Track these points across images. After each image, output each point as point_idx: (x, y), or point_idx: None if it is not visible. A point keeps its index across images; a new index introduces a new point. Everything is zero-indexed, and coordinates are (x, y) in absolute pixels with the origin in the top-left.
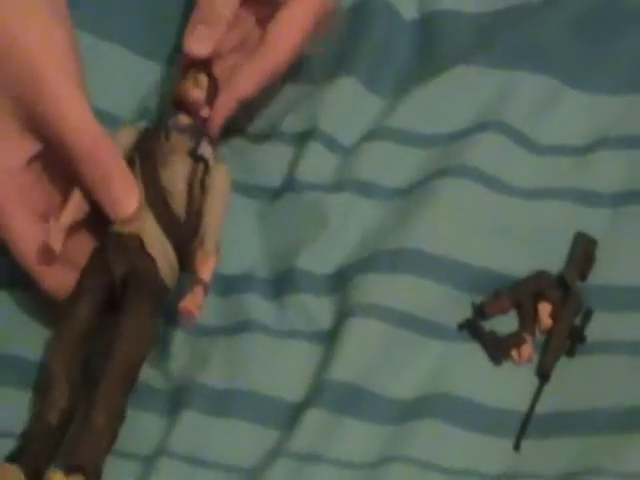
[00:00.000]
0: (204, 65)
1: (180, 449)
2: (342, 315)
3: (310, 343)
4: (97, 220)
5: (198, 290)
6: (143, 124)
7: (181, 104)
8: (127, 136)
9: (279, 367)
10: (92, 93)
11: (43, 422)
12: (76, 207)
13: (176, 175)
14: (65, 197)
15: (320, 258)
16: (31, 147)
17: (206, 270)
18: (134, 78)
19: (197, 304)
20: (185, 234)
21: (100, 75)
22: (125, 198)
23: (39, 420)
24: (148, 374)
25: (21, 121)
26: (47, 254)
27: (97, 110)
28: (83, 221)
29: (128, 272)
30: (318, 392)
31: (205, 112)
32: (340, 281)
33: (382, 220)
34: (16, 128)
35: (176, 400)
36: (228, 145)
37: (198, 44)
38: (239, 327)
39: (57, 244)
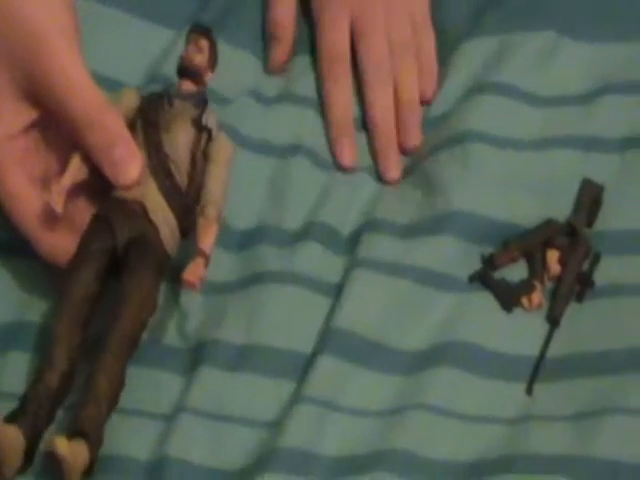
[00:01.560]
0: (205, 30)
1: (200, 405)
2: (354, 268)
3: (323, 295)
4: (96, 186)
5: (199, 261)
6: (153, 88)
7: (185, 70)
8: (129, 98)
9: (293, 319)
10: (99, 60)
11: (43, 384)
12: (76, 169)
13: (179, 143)
14: (63, 164)
15: (335, 213)
16: (29, 114)
17: (208, 240)
18: (141, 44)
19: (198, 275)
20: (187, 202)
21: (107, 42)
22: (128, 164)
23: (39, 382)
24: (166, 334)
25: (20, 88)
26: (47, 216)
27: (104, 77)
28: (82, 187)
29: (132, 238)
30: (330, 341)
31: (209, 77)
32: (353, 235)
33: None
34: (15, 95)
35: (194, 358)
36: (240, 105)
37: None
38: (254, 279)
39: (59, 205)
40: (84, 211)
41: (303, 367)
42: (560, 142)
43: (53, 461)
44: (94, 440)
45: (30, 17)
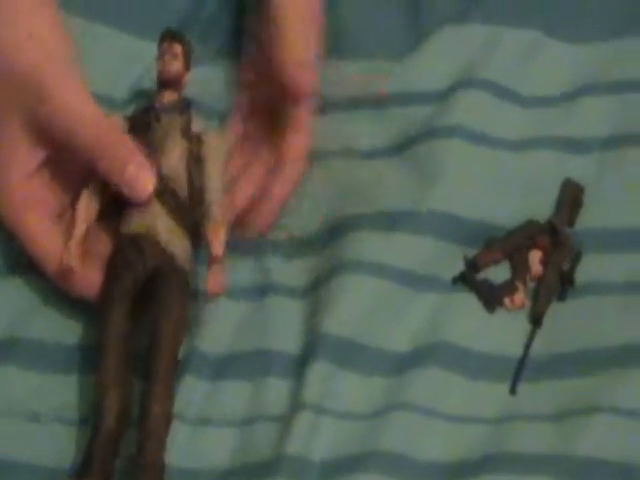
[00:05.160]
0: (175, 35)
1: (184, 412)
2: (337, 271)
3: (302, 299)
4: (108, 213)
5: (216, 269)
6: (138, 104)
7: (165, 83)
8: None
9: (277, 323)
10: (86, 75)
11: (103, 429)
12: (85, 215)
13: (174, 160)
14: (76, 195)
15: (304, 217)
16: (40, 153)
17: (218, 243)
18: (127, 59)
19: (219, 283)
20: (194, 214)
21: (93, 57)
22: (142, 179)
23: (99, 433)
24: None
25: (30, 129)
26: (68, 270)
27: (92, 92)
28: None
29: (151, 270)
30: (317, 346)
31: (186, 79)
32: (332, 238)
33: (372, 178)
34: (26, 137)
35: (181, 367)
36: None
37: None
38: (239, 294)
39: (76, 263)
40: (102, 241)
41: (291, 367)
42: (540, 142)
43: None
44: (161, 467)
45: (27, 61)
